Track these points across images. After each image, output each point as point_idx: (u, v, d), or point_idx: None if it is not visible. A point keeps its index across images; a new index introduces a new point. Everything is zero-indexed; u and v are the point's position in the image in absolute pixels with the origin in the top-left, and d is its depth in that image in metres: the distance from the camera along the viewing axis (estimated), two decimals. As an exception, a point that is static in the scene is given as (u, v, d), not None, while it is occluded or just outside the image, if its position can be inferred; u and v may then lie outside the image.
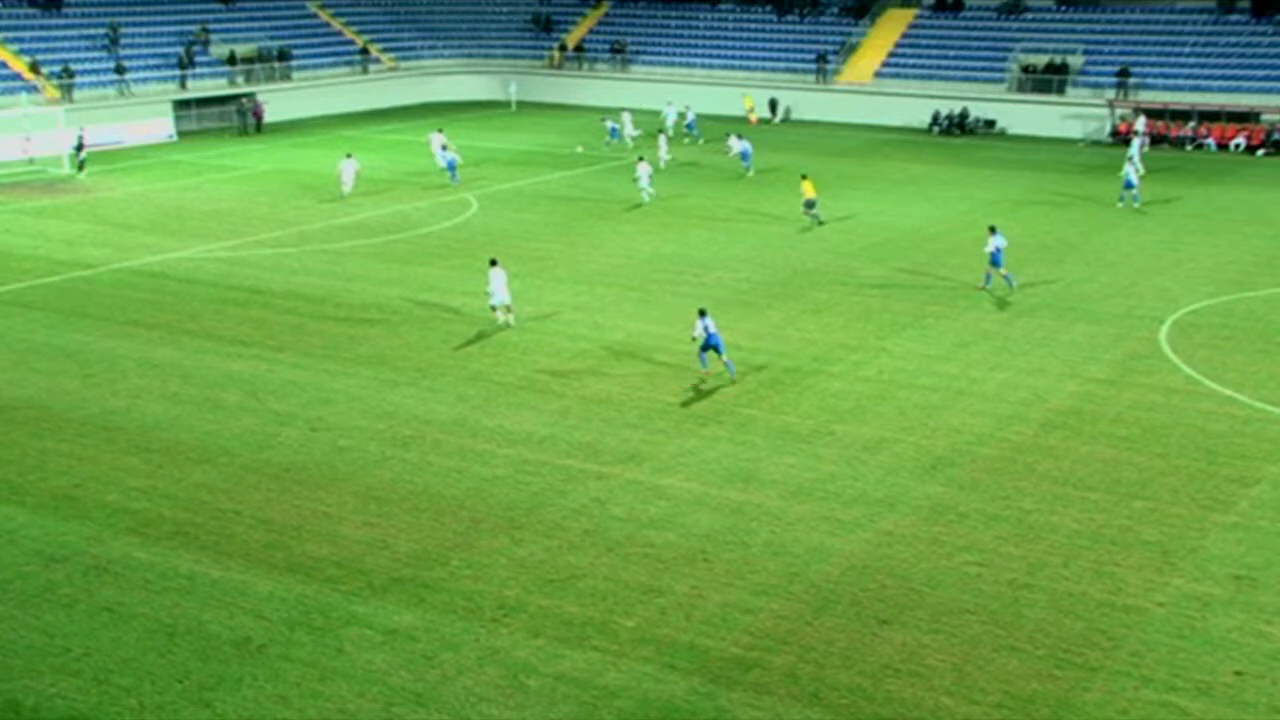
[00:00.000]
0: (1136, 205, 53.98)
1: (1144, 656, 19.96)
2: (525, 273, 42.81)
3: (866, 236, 48.75)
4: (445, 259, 45.03)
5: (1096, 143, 73.16)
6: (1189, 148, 71.09)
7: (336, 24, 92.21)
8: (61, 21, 78.05)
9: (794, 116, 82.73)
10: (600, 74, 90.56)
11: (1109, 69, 76.50)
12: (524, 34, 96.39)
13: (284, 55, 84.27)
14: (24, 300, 39.70)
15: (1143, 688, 19.12)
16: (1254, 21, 76.45)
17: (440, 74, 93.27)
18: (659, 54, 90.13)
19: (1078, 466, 27.16)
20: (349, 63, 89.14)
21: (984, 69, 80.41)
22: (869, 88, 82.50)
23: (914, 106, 79.09)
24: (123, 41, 78.17)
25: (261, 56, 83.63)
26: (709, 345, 32.15)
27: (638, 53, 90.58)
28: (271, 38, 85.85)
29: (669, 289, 40.97)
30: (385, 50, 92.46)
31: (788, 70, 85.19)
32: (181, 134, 75.21)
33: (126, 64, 76.17)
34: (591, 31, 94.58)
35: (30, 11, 77.64)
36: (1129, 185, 54.06)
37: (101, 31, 78.15)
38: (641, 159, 56.72)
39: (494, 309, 36.66)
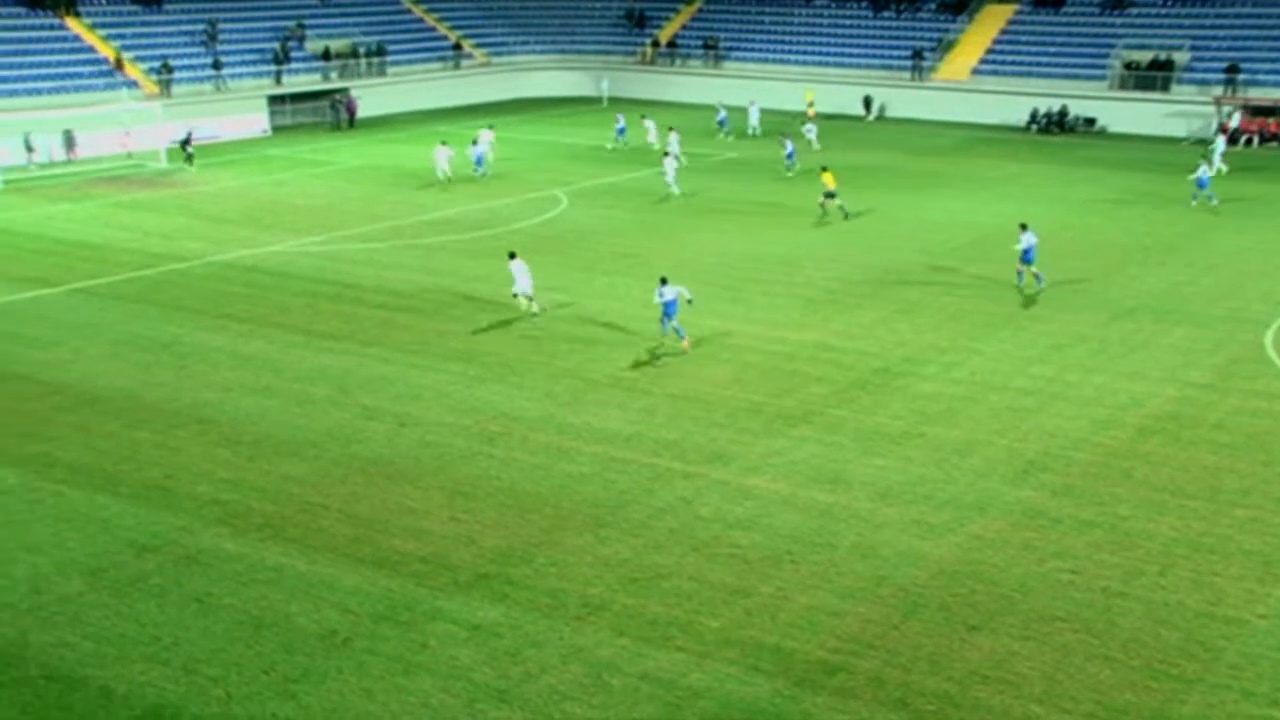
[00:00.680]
0: (1214, 204, 52.88)
1: (1244, 670, 19.41)
2: (614, 270, 42.79)
3: (959, 236, 48.11)
4: (534, 255, 44.91)
5: (1201, 140, 71.64)
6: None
7: (430, 19, 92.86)
8: (161, 18, 79.35)
9: (888, 114, 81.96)
10: (692, 70, 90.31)
11: (1217, 65, 74.82)
12: (616, 30, 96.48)
13: (378, 51, 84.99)
14: (121, 292, 40.33)
15: (1243, 701, 18.61)
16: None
17: (532, 69, 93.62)
18: (752, 50, 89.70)
19: (1176, 473, 26.54)
20: (442, 58, 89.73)
21: (1085, 66, 79.04)
22: (965, 85, 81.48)
23: (1011, 104, 77.97)
24: (220, 37, 79.31)
25: (355, 52, 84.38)
26: (667, 313, 33.98)
27: (730, 49, 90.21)
28: (365, 33, 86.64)
29: (758, 287, 40.69)
30: (478, 46, 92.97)
31: (882, 67, 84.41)
32: (276, 129, 76.15)
33: (223, 59, 77.22)
34: (684, 27, 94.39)
35: (132, 9, 78.97)
36: (1202, 184, 52.95)
37: (200, 27, 79.32)
38: (666, 154, 57.17)
39: (515, 296, 37.45)
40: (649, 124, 68.37)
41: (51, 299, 39.64)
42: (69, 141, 65.00)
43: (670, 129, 62.82)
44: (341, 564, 22.76)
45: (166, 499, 25.44)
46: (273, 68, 79.14)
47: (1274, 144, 69.98)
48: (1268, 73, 73.47)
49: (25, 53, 70.92)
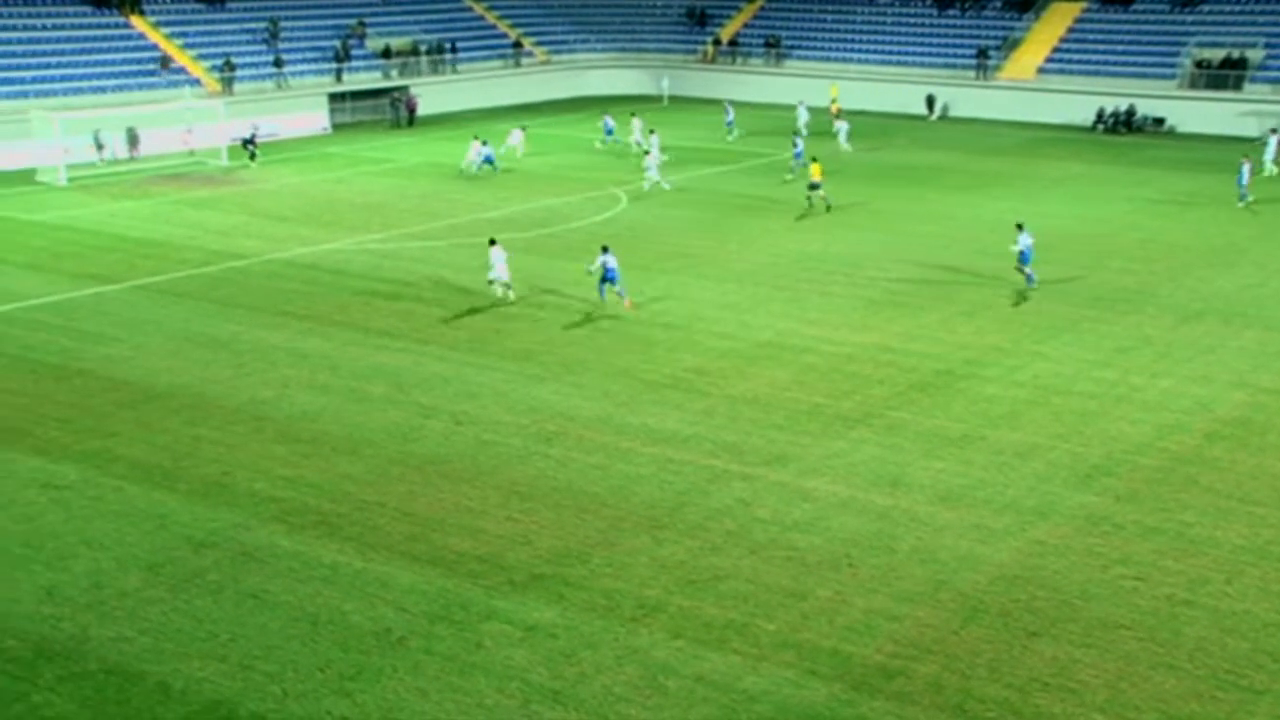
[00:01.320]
0: (1244, 204, 52.45)
1: (1314, 682, 19.02)
2: (673, 269, 42.63)
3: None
4: (593, 254, 44.91)
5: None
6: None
7: (491, 17, 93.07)
8: (224, 16, 79.97)
9: (951, 113, 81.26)
10: (754, 69, 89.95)
11: (1293, 63, 73.64)
12: (677, 28, 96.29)
13: (439, 49, 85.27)
14: (181, 289, 40.62)
15: (1312, 715, 18.22)
16: None
17: (592, 68, 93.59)
18: (814, 49, 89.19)
19: (1244, 479, 26.05)
20: (502, 56, 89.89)
21: (1154, 64, 77.94)
22: (1031, 84, 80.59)
23: (1078, 104, 77.01)
24: (282, 35, 79.83)
25: (415, 50, 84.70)
26: (606, 279, 37.38)
27: (793, 48, 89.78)
28: (426, 31, 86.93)
29: (819, 288, 40.41)
30: (538, 44, 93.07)
31: (946, 66, 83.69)
32: (336, 127, 76.52)
33: (285, 57, 77.75)
34: (746, 26, 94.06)
35: (196, 7, 79.64)
36: (1244, 184, 52.41)
37: (262, 25, 79.90)
38: (648, 152, 57.46)
39: (491, 283, 38.61)
40: (636, 123, 68.10)
41: (113, 295, 39.99)
42: (132, 139, 65.63)
43: (652, 131, 62.94)
44: (397, 562, 22.75)
45: (224, 495, 25.54)
46: (333, 65, 79.58)
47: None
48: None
49: (91, 51, 71.72)
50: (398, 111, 78.77)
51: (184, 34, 76.75)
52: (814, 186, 51.97)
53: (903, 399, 30.70)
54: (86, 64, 70.57)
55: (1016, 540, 23.49)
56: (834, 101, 78.22)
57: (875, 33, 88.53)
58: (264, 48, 78.47)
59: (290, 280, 41.72)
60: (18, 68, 67.97)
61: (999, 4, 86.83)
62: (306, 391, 31.39)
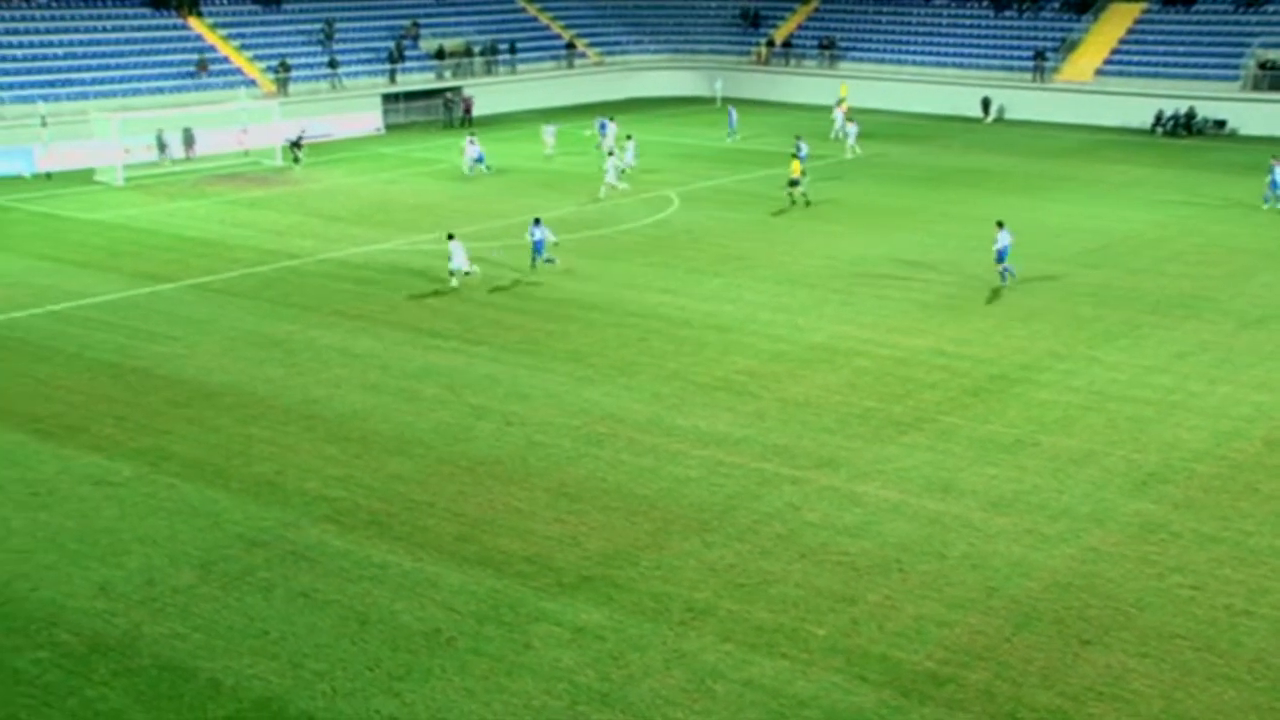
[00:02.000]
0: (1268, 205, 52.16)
1: (1375, 695, 18.67)
2: (726, 272, 42.53)
3: (1080, 242, 47.11)
4: (645, 255, 44.96)
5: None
6: None
7: (544, 18, 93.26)
8: (280, 17, 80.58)
9: (1007, 116, 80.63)
10: (808, 70, 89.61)
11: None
12: (731, 29, 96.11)
13: (492, 49, 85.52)
14: (235, 289, 40.91)
15: (1373, 729, 17.89)
16: None
17: (645, 69, 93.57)
18: (869, 51, 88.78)
19: (1304, 488, 25.67)
20: (555, 57, 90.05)
21: (1215, 66, 77.00)
22: (1089, 86, 79.88)
23: (1136, 106, 76.19)
24: (337, 36, 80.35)
25: (469, 51, 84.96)
26: (535, 250, 41.78)
27: (847, 49, 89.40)
28: (480, 32, 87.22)
29: (872, 291, 40.17)
30: (592, 45, 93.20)
31: (1003, 68, 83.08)
32: (389, 127, 76.87)
33: (339, 58, 78.23)
34: (800, 27, 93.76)
35: (252, 8, 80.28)
36: (1275, 186, 51.85)
37: (317, 26, 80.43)
38: (611, 153, 57.42)
39: (451, 274, 40.46)
40: (611, 127, 67.35)
41: (169, 294, 40.33)
42: (188, 139, 66.22)
43: (629, 136, 62.99)
44: (446, 562, 22.78)
45: (275, 494, 25.66)
46: (387, 66, 79.99)
47: None
48: None
49: (149, 52, 72.45)
50: (451, 112, 79.07)
51: (240, 35, 77.42)
52: (793, 183, 53.20)
53: (955, 404, 30.45)
54: (145, 65, 71.33)
55: (1070, 547, 23.23)
56: (842, 101, 77.56)
57: (931, 34, 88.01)
58: (319, 48, 79.03)
59: (342, 280, 41.93)
60: (78, 69, 68.81)
61: (1057, 5, 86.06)
62: (358, 391, 31.52)
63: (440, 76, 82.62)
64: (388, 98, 78.89)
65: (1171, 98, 75.72)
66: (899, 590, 21.73)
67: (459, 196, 56.13)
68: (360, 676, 19.31)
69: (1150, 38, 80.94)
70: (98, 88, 67.64)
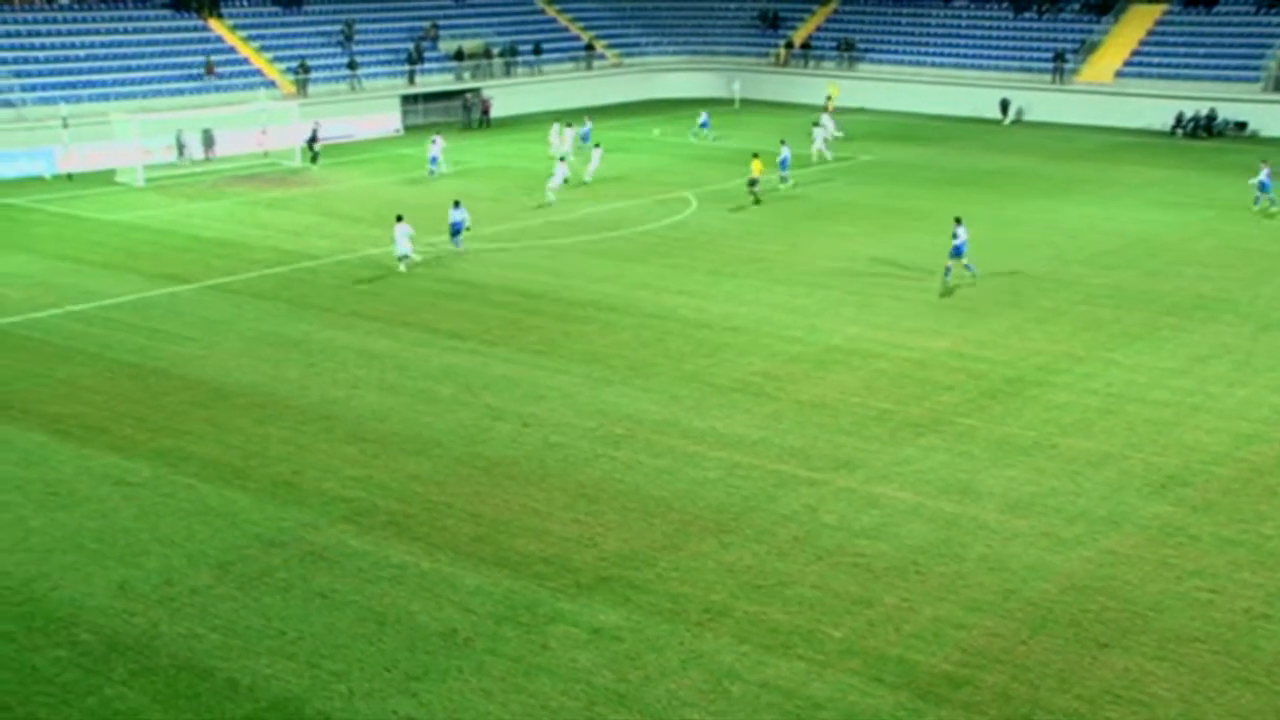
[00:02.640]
0: (1258, 207, 52.27)
1: (1394, 699, 18.59)
2: (744, 273, 42.52)
3: (1099, 243, 46.99)
4: (662, 257, 44.98)
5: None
6: None
7: (563, 20, 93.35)
8: (300, 19, 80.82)
9: (1026, 118, 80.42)
10: (826, 72, 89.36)
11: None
12: (750, 31, 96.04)
13: (511, 51, 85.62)
14: (254, 289, 41.04)
15: (1392, 733, 17.81)
16: None
17: (664, 70, 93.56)
18: (888, 52, 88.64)
19: (1324, 491, 25.56)
20: (574, 58, 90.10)
21: (1237, 68, 76.67)
22: (1108, 88, 79.60)
23: (1156, 108, 75.87)
24: (356, 37, 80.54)
25: (488, 52, 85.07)
26: (454, 231, 44.98)
27: (866, 50, 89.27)
28: (499, 33, 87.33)
29: (889, 293, 40.12)
30: (610, 46, 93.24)
31: (1022, 70, 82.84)
32: (408, 128, 77.02)
33: (359, 59, 78.42)
34: (819, 29, 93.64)
35: (273, 10, 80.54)
36: (1264, 188, 51.89)
37: (337, 28, 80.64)
38: (562, 159, 56.98)
39: (399, 259, 42.64)
40: (569, 132, 67.24)
41: (188, 295, 40.48)
42: (207, 140, 66.45)
43: (597, 145, 62.52)
44: (464, 563, 22.82)
45: (293, 495, 25.74)
46: (406, 68, 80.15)
47: None
48: None
49: (170, 54, 72.71)
50: (470, 113, 79.18)
51: (260, 36, 77.67)
52: (752, 183, 54.03)
53: (973, 406, 30.40)
54: (165, 66, 71.59)
55: (1088, 550, 23.18)
56: (829, 100, 77.07)
57: (950, 35, 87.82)
58: (338, 50, 79.25)
59: (361, 281, 42.03)
60: (99, 70, 69.10)
61: (1077, 6, 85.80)
62: (376, 392, 31.60)
63: (459, 78, 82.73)
64: (407, 99, 79.05)
65: (1192, 99, 75.43)
66: (916, 592, 21.71)
67: (478, 197, 56.04)
68: (377, 677, 19.36)
69: (1171, 39, 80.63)
70: (119, 89, 67.90)
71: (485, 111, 79.11)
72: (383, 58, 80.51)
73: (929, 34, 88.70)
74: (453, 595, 21.73)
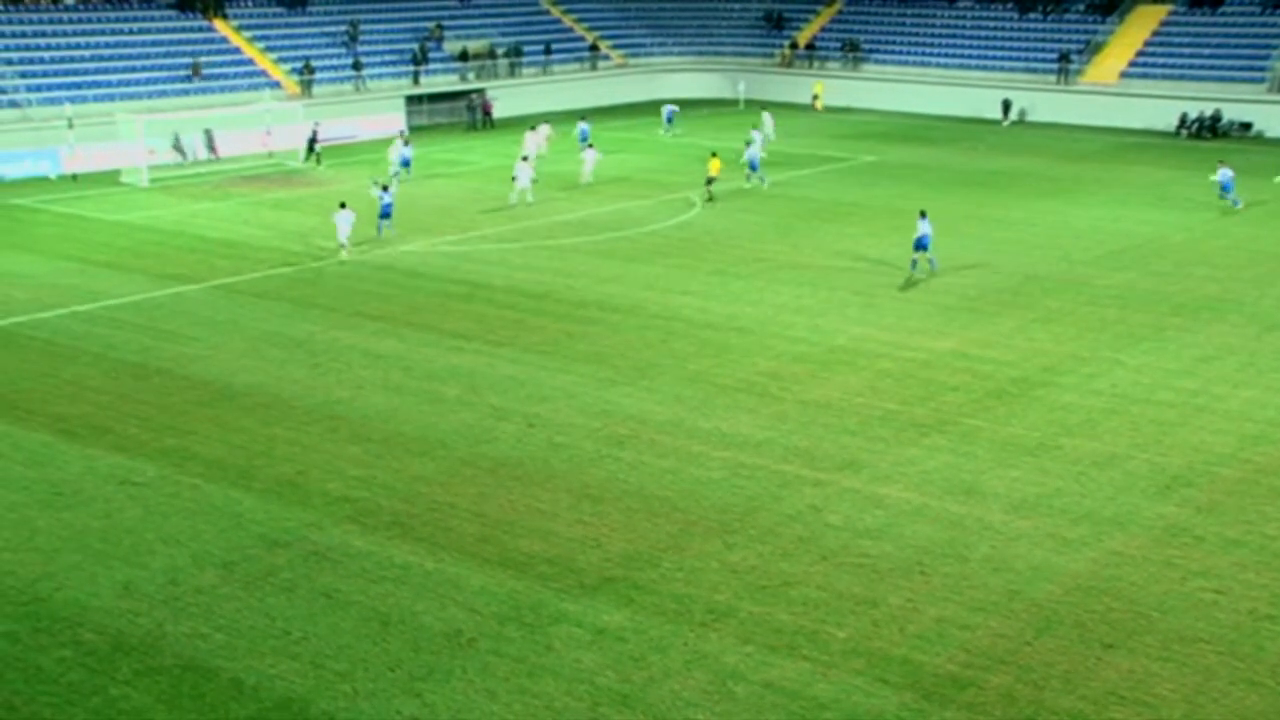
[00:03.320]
0: (1237, 206, 52.74)
1: (1399, 701, 18.56)
2: (748, 273, 42.51)
3: (1104, 244, 46.96)
4: (667, 257, 44.97)
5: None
6: None
7: (567, 20, 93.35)
8: (305, 19, 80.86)
9: (1029, 118, 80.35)
10: (831, 73, 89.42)
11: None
12: (754, 31, 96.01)
13: (516, 51, 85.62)
14: (259, 289, 41.06)
15: (1397, 735, 17.78)
16: None
17: (668, 71, 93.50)
18: (893, 53, 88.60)
19: (1329, 492, 25.53)
20: (579, 59, 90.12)
21: (1242, 68, 76.57)
22: (1113, 89, 79.52)
23: (1161, 108, 75.80)
24: (361, 38, 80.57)
25: (492, 53, 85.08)
26: (382, 215, 46.95)
27: (871, 51, 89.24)
28: (504, 34, 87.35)
29: (893, 293, 40.11)
30: (615, 47, 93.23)
31: (1026, 70, 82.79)
32: (413, 129, 76.96)
33: (363, 60, 78.46)
34: (823, 29, 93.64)
35: (277, 10, 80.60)
36: (1226, 188, 52.48)
37: (342, 28, 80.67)
38: (525, 158, 56.27)
39: (342, 246, 44.08)
40: (543, 130, 66.98)
41: (193, 295, 40.50)
42: (209, 141, 66.48)
43: (590, 145, 61.90)
44: (468, 564, 22.82)
45: (298, 495, 25.75)
46: (411, 68, 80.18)
47: None
48: None
49: (175, 55, 72.79)
50: (474, 114, 79.21)
51: (265, 37, 77.73)
52: (709, 181, 54.64)
53: (978, 406, 30.38)
54: (170, 67, 71.65)
55: (1093, 550, 23.15)
56: (816, 98, 76.63)
57: (955, 36, 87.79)
58: (343, 50, 79.28)
59: (365, 281, 42.04)
60: (105, 71, 69.18)
61: (1082, 7, 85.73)
62: (380, 392, 31.60)
63: (464, 78, 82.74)
64: (411, 99, 79.07)
65: (1197, 100, 75.36)
66: (920, 593, 21.69)
67: (482, 198, 56.15)
68: (382, 677, 19.36)
69: (1176, 40, 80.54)
70: (124, 89, 68.00)
71: (487, 112, 79.08)
72: (387, 58, 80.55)
73: (933, 35, 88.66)
74: (457, 596, 21.72)
